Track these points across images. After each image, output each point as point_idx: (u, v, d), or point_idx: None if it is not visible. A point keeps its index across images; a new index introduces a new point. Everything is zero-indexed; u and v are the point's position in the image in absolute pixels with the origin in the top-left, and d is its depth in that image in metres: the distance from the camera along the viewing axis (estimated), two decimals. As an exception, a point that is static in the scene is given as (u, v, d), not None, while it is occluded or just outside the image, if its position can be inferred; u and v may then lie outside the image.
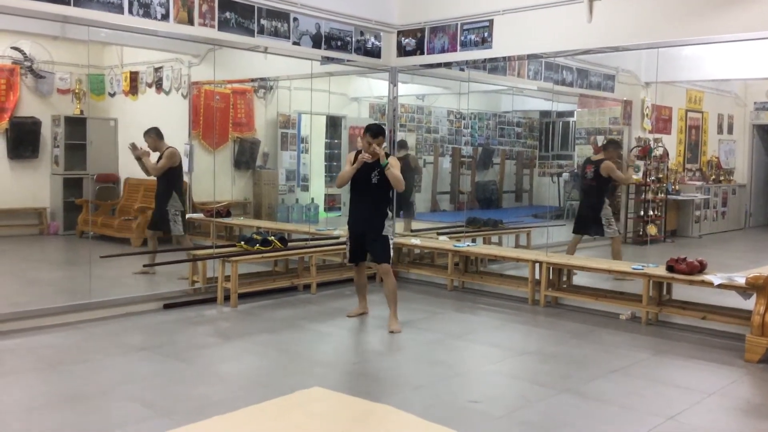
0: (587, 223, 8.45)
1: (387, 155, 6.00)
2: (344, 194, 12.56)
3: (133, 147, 7.83)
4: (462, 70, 8.66)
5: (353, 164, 6.04)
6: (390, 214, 6.26)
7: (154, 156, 7.96)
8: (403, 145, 10.15)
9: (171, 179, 7.94)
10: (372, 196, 6.10)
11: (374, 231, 6.11)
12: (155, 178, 8.05)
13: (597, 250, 8.76)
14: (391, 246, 6.23)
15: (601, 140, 11.90)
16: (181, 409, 4.13)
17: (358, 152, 6.11)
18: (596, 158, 8.44)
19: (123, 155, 10.48)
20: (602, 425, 4.08)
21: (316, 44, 7.71)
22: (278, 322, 6.30)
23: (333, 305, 7.07)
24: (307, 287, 7.61)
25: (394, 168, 5.95)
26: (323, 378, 4.79)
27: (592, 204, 8.35)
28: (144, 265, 7.93)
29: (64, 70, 11.24)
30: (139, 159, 7.84)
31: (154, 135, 7.94)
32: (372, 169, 6.02)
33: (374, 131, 6.01)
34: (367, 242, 6.18)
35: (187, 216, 9.88)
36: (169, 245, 8.40)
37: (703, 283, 6.06)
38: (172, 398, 4.33)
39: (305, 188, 12.17)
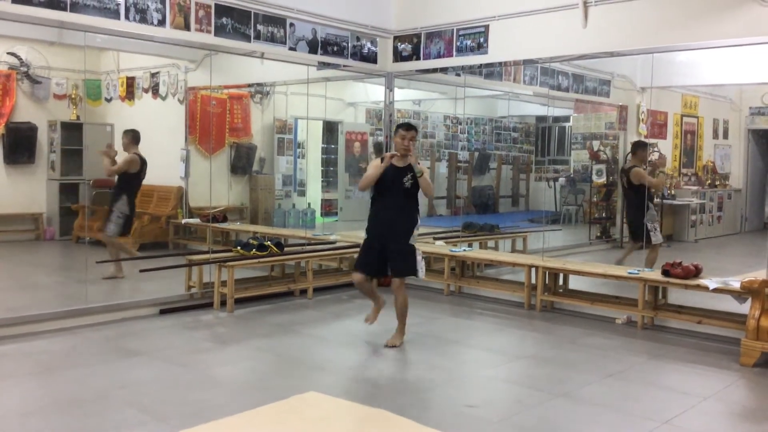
0: (632, 231, 8.44)
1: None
2: (341, 199, 12.60)
3: (109, 147, 8.08)
4: (458, 75, 8.69)
5: (380, 165, 5.61)
6: (419, 221, 5.78)
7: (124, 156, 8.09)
8: (379, 148, 10.11)
9: (124, 183, 8.03)
10: (402, 200, 5.64)
11: (399, 239, 5.63)
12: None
13: (594, 254, 8.78)
14: (419, 257, 5.69)
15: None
16: (178, 413, 4.13)
17: (383, 159, 5.69)
18: (627, 166, 8.37)
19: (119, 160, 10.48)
20: (598, 429, 4.09)
21: (313, 50, 7.72)
22: (274, 327, 6.30)
23: (329, 310, 7.07)
24: (303, 292, 7.61)
25: (425, 173, 5.63)
26: (319, 383, 4.79)
27: (634, 212, 8.30)
28: (142, 270, 7.91)
29: (61, 76, 11.23)
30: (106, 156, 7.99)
31: (130, 137, 8.05)
32: (403, 172, 5.61)
33: (406, 126, 5.70)
34: (389, 252, 5.65)
35: (184, 221, 9.91)
36: (160, 250, 8.39)
37: (699, 287, 6.07)
38: (168, 403, 4.33)
39: (302, 193, 12.19)
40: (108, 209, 8.17)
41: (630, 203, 8.44)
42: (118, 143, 10.97)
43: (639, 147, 8.48)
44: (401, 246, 5.65)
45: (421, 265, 5.74)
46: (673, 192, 12.24)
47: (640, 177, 8.16)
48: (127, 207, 8.01)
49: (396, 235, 5.65)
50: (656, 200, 11.11)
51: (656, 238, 8.10)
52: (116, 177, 8.11)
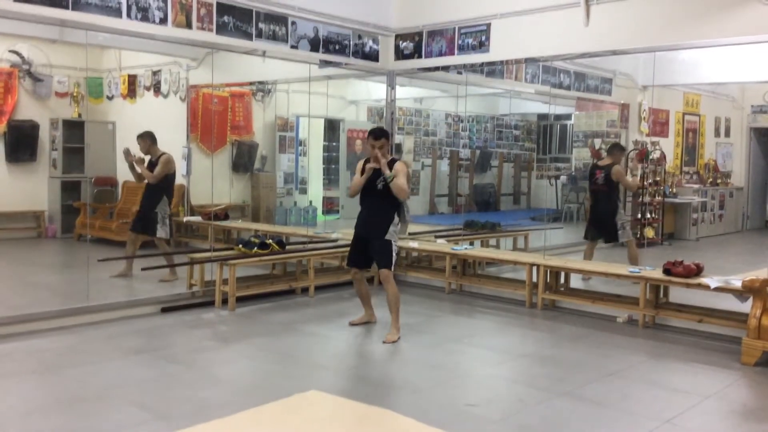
0: (601, 229, 8.41)
1: (394, 160, 5.96)
2: (342, 197, 12.60)
3: (127, 153, 7.87)
4: (460, 73, 8.69)
5: (362, 173, 5.99)
6: (397, 219, 6.01)
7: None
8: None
9: (164, 184, 7.93)
10: (377, 199, 5.96)
11: (376, 235, 5.97)
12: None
13: (595, 253, 8.76)
14: (394, 252, 5.97)
15: (598, 143, 11.93)
16: (179, 412, 4.14)
17: (367, 160, 6.03)
18: (604, 163, 8.33)
19: (121, 158, 10.48)
20: (599, 428, 4.10)
21: (314, 48, 7.72)
22: (276, 326, 6.31)
23: (331, 308, 7.08)
24: (305, 290, 7.62)
25: (399, 175, 5.85)
26: (321, 381, 4.79)
27: (607, 209, 8.25)
28: (143, 269, 7.92)
29: (62, 74, 11.25)
30: (131, 166, 7.85)
31: (148, 139, 7.90)
32: (377, 175, 5.91)
33: (375, 134, 5.98)
34: (370, 247, 6.03)
35: (185, 219, 9.92)
36: (149, 249, 8.39)
37: (700, 286, 6.07)
38: (169, 402, 4.34)
39: (303, 191, 12.19)
40: (142, 212, 8.00)
41: (602, 200, 8.32)
42: (119, 141, 11.09)
43: (617, 148, 8.57)
44: (378, 241, 5.98)
45: (392, 259, 6.04)
46: (674, 190, 12.24)
47: (619, 175, 8.22)
48: (168, 207, 7.97)
49: (374, 231, 6.01)
50: (657, 198, 11.18)
51: (625, 235, 8.24)
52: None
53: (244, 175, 11.32)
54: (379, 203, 5.98)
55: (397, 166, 5.94)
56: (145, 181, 7.90)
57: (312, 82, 8.49)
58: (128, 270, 7.96)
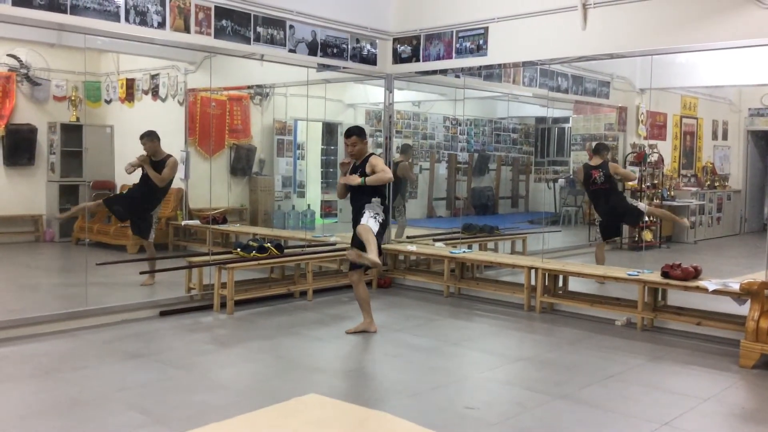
0: (617, 225, 8.66)
1: (370, 155, 6.05)
2: (340, 201, 12.59)
3: (130, 166, 7.81)
4: (457, 76, 8.69)
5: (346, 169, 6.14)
6: (379, 199, 6.00)
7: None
8: (404, 150, 10.17)
9: (166, 187, 7.91)
10: (360, 194, 6.05)
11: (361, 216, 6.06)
12: (136, 182, 7.99)
13: (593, 256, 8.77)
14: (372, 211, 5.95)
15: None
16: (178, 416, 4.14)
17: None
18: (596, 163, 8.42)
19: (119, 162, 10.50)
20: (597, 431, 4.10)
21: (312, 51, 7.73)
22: (274, 329, 6.31)
23: (329, 312, 7.07)
24: (303, 294, 7.62)
25: (376, 166, 5.94)
26: (319, 385, 4.79)
27: (616, 204, 8.49)
28: (141, 272, 7.91)
29: (61, 77, 11.24)
30: (140, 167, 7.81)
31: (156, 139, 7.81)
32: (354, 171, 6.05)
33: (347, 133, 6.08)
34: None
35: (184, 223, 9.91)
36: (160, 252, 8.37)
37: (698, 288, 6.08)
38: (168, 405, 4.33)
39: (301, 195, 12.19)
40: (139, 214, 7.93)
41: (607, 198, 8.46)
42: (117, 145, 11.10)
43: (603, 148, 8.78)
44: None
45: (370, 222, 5.94)
46: (672, 193, 12.26)
47: (617, 168, 8.56)
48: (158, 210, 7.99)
49: (358, 217, 6.05)
50: (656, 201, 11.19)
51: (642, 205, 8.77)
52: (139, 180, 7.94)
53: (242, 178, 11.32)
54: (362, 196, 6.04)
55: (372, 160, 6.01)
56: (132, 174, 7.83)
57: (310, 86, 8.51)
58: (152, 266, 7.89)
